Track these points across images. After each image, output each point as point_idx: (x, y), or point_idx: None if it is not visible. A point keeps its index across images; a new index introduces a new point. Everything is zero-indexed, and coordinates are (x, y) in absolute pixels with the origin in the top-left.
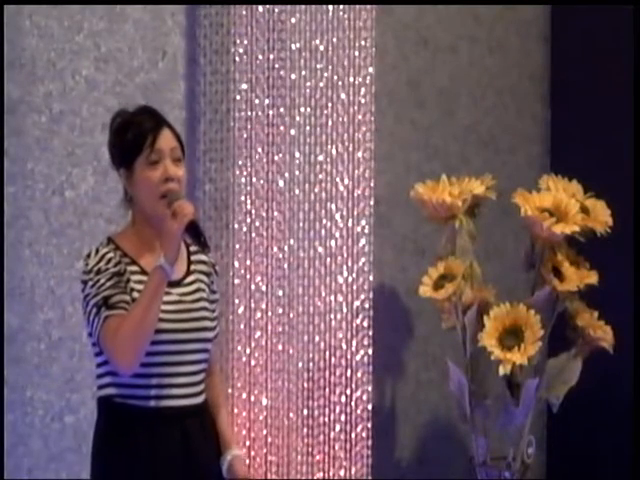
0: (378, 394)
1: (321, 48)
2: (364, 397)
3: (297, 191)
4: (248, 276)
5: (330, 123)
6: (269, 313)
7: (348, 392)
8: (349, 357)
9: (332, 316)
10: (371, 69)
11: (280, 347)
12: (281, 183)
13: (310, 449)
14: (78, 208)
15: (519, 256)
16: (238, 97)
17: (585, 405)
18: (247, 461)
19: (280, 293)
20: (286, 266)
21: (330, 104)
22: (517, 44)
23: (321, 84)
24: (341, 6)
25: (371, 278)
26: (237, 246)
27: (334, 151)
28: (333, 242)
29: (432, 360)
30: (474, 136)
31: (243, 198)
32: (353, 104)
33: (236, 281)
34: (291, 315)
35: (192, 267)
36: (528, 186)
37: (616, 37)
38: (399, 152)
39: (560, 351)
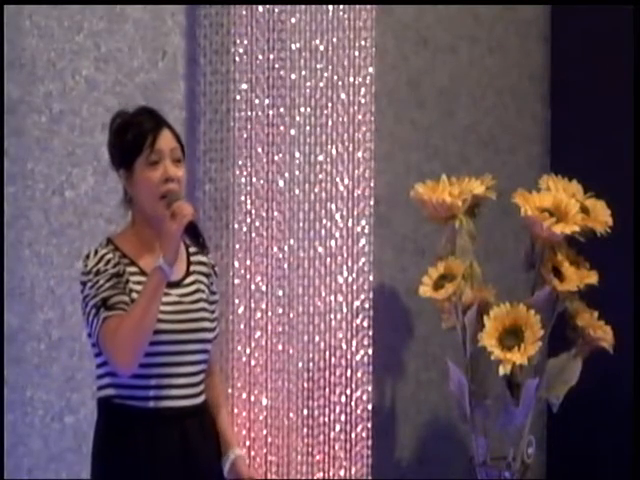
0: (378, 394)
1: (321, 48)
2: (364, 397)
3: (297, 191)
4: (248, 276)
5: (330, 123)
6: (269, 313)
7: (348, 392)
8: (349, 357)
9: (332, 316)
10: (371, 69)
11: (280, 347)
12: (281, 183)
13: (310, 449)
14: (78, 208)
15: (519, 256)
16: (238, 97)
17: (585, 405)
18: (247, 461)
19: (280, 293)
20: (286, 266)
21: (330, 104)
22: (517, 44)
23: (321, 84)
24: (341, 6)
25: (371, 278)
26: (237, 246)
27: (334, 151)
28: (333, 242)
29: (432, 360)
30: (474, 136)
31: (243, 198)
32: (353, 104)
33: (236, 281)
34: (291, 315)
35: (191, 268)
36: (528, 186)
37: (616, 37)
38: (399, 152)
39: (560, 351)
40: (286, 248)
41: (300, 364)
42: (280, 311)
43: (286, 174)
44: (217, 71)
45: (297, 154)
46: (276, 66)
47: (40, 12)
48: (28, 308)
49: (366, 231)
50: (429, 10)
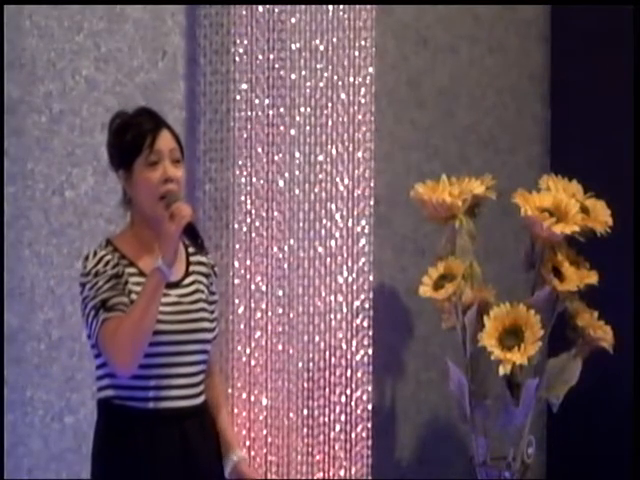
0: (378, 394)
1: (321, 48)
2: (364, 397)
3: (297, 191)
4: (248, 276)
5: (330, 123)
6: (269, 313)
7: (348, 392)
8: (349, 357)
9: (332, 316)
10: (371, 69)
11: (280, 347)
12: (281, 183)
13: (310, 449)
14: (78, 208)
15: (519, 256)
16: (238, 97)
17: (585, 405)
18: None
19: (280, 293)
20: (286, 266)
21: (330, 104)
22: (517, 44)
23: (321, 84)
24: (341, 6)
25: (371, 278)
26: (237, 246)
27: (334, 151)
28: (333, 242)
29: (432, 360)
30: (474, 136)
31: (243, 198)
32: (353, 104)
33: (236, 281)
34: (291, 315)
35: (191, 268)
36: (528, 186)
37: (616, 37)
38: (399, 152)
39: (560, 351)
40: (286, 248)
41: (300, 364)
42: (280, 311)
43: (286, 174)
44: (217, 71)
45: (297, 154)
46: (276, 66)
47: (40, 12)
48: (28, 308)
49: (366, 231)
50: (429, 10)
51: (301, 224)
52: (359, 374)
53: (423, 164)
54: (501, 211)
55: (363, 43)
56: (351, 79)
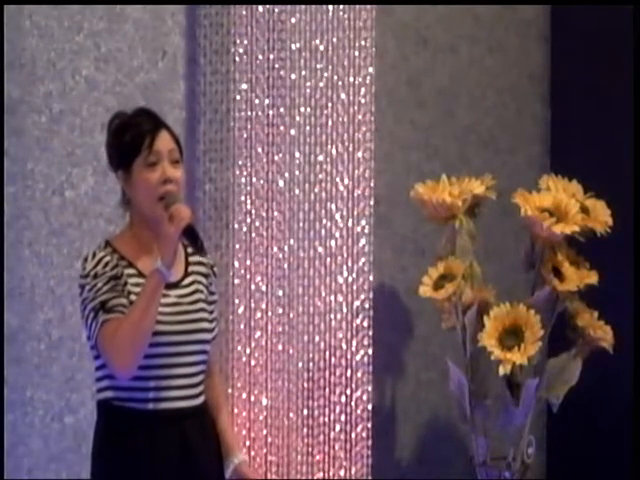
0: (378, 394)
1: (321, 48)
2: (364, 397)
3: (297, 191)
4: (248, 276)
5: (330, 123)
6: (269, 313)
7: (348, 392)
8: (349, 357)
9: (332, 316)
10: (371, 69)
11: (280, 347)
12: (281, 183)
13: (310, 449)
14: (78, 208)
15: (519, 256)
16: (238, 97)
17: (585, 405)
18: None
19: (280, 293)
20: (286, 266)
21: (330, 104)
22: (517, 44)
23: (321, 84)
24: (341, 6)
25: (371, 278)
26: (237, 246)
27: (334, 151)
28: (333, 242)
29: (432, 360)
30: (474, 136)
31: (243, 198)
32: (353, 104)
33: (236, 281)
34: (291, 315)
35: (190, 268)
36: (528, 186)
37: (616, 37)
38: (399, 152)
39: (560, 351)
40: (286, 248)
41: (300, 364)
42: (280, 311)
43: (286, 174)
44: (217, 71)
45: (297, 154)
46: (276, 66)
47: (40, 12)
48: (28, 308)
49: (366, 231)
50: (429, 10)
51: (301, 224)
52: (359, 374)
53: (423, 164)
54: (501, 211)
55: (363, 43)
56: (351, 79)
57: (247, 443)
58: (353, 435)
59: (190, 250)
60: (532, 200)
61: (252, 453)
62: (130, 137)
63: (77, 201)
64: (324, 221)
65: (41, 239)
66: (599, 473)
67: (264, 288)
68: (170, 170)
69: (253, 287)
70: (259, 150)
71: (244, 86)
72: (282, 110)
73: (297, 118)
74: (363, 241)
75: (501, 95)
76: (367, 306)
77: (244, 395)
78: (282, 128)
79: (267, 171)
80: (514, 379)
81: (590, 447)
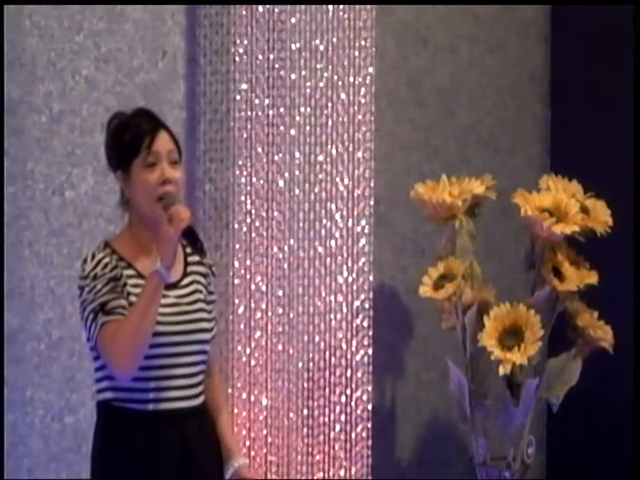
0: (378, 394)
1: (321, 48)
2: (364, 397)
3: (297, 191)
4: (248, 276)
5: (330, 123)
6: (269, 313)
7: (348, 392)
8: (349, 357)
9: (332, 316)
10: (371, 69)
11: (280, 347)
12: (281, 183)
13: (310, 449)
14: (78, 208)
15: (519, 256)
16: (238, 97)
17: (585, 405)
18: (247, 461)
19: (280, 293)
20: (286, 266)
21: (330, 104)
22: (517, 44)
23: (321, 84)
24: (341, 6)
25: (371, 278)
26: (237, 246)
27: (334, 151)
28: (333, 242)
29: (432, 360)
30: (474, 136)
31: (243, 198)
32: (353, 104)
33: (236, 281)
34: (291, 315)
35: (189, 269)
36: (528, 186)
37: (616, 37)
38: (399, 152)
39: (560, 351)
40: (286, 248)
41: (300, 364)
42: (280, 311)
43: (286, 174)
44: (217, 71)
45: (297, 154)
46: (276, 66)
47: (40, 12)
48: (28, 308)
49: (366, 231)
50: (429, 10)
51: (301, 224)
52: (359, 374)
53: (423, 164)
54: (501, 211)
55: (363, 43)
56: (351, 79)
57: (247, 443)
58: (353, 435)
59: (189, 250)
60: (532, 200)
61: (252, 453)
62: (129, 137)
63: (77, 201)
64: (324, 221)
65: (41, 239)
66: (599, 473)
67: (264, 288)
68: (169, 171)
69: (253, 287)
70: (259, 150)
71: (244, 86)
72: (282, 110)
73: (297, 118)
74: (363, 241)
75: (501, 95)
76: (367, 306)
77: (244, 395)
78: (282, 128)
79: (267, 171)
80: (514, 379)
81: (590, 447)
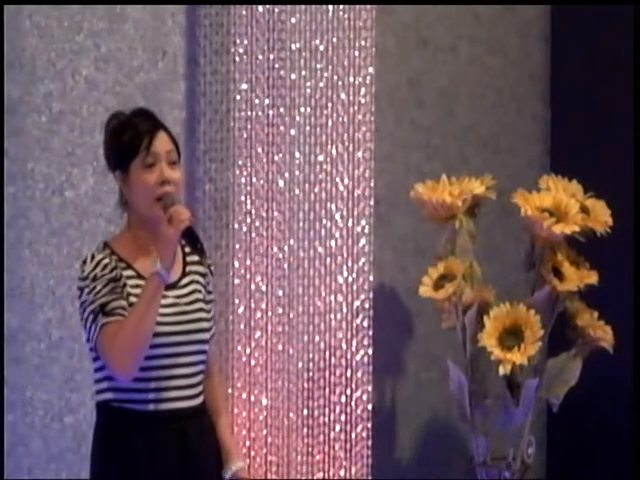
0: (378, 394)
1: (321, 48)
2: (364, 397)
3: (297, 191)
4: (248, 276)
5: (330, 123)
6: (269, 313)
7: (348, 392)
8: (349, 357)
9: (332, 316)
10: (371, 69)
11: (280, 347)
12: (281, 183)
13: (310, 449)
14: (78, 208)
15: (519, 256)
16: (238, 97)
17: (585, 405)
18: (247, 461)
19: (280, 293)
20: (286, 266)
21: (330, 104)
22: (517, 44)
23: (321, 84)
24: (341, 6)
25: (371, 278)
26: (237, 246)
27: (334, 151)
28: (333, 242)
29: (432, 360)
30: (474, 136)
31: (243, 198)
32: (353, 104)
33: (236, 281)
34: (291, 315)
35: (187, 268)
36: (528, 186)
37: (616, 37)
38: (399, 152)
39: (560, 351)
40: (286, 248)
41: (300, 364)
42: (280, 311)
43: (286, 174)
44: (217, 71)
45: (297, 154)
46: (276, 66)
47: (40, 12)
48: (28, 308)
49: (366, 231)
50: (429, 10)
51: (301, 224)
52: (359, 374)
53: (423, 164)
54: (501, 211)
55: (363, 43)
56: (351, 79)
57: (247, 443)
58: (353, 435)
59: (187, 250)
60: (532, 200)
61: (252, 453)
62: (128, 138)
63: (77, 201)
64: (324, 221)
65: (41, 239)
66: (599, 473)
67: (264, 288)
68: (168, 171)
69: (253, 287)
70: (259, 150)
71: (244, 86)
72: (282, 110)
73: (297, 118)
74: (363, 241)
75: (501, 95)
76: (367, 306)
77: (244, 395)
78: (282, 128)
79: (267, 171)
80: (514, 379)
81: (590, 447)
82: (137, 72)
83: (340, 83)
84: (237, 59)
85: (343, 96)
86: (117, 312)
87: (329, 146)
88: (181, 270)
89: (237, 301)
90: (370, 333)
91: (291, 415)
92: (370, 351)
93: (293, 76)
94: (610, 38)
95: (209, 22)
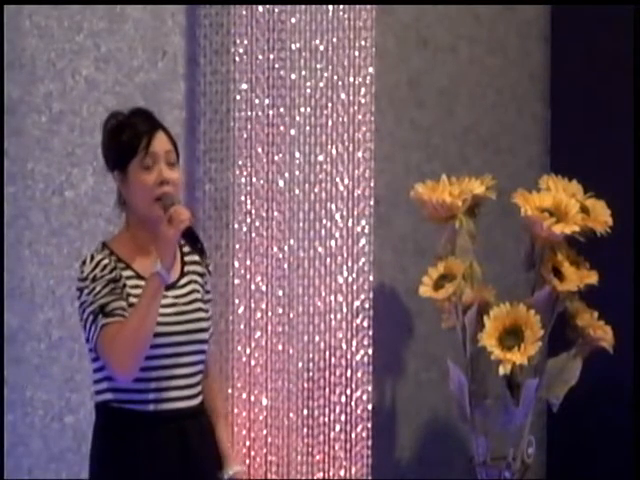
0: (378, 394)
1: (321, 48)
2: (364, 397)
3: (297, 191)
4: (248, 276)
5: (330, 123)
6: (269, 313)
7: (348, 392)
8: (349, 357)
9: (332, 316)
10: (371, 69)
11: (280, 347)
12: (281, 183)
13: (310, 449)
14: (78, 208)
15: (519, 256)
16: (238, 97)
17: (585, 405)
18: (247, 461)
19: (280, 293)
20: (286, 266)
21: (330, 104)
22: (517, 44)
23: (321, 84)
24: (341, 6)
25: (371, 278)
26: (237, 246)
27: (334, 151)
28: (333, 242)
29: (432, 360)
30: (474, 136)
31: (243, 198)
32: (353, 104)
33: (236, 281)
34: (291, 315)
35: (186, 268)
36: (528, 186)
37: (616, 37)
38: (399, 152)
39: (560, 351)
40: (286, 248)
41: (300, 364)
42: (280, 311)
43: (286, 174)
44: (217, 71)
45: (297, 154)
46: (276, 66)
47: (40, 12)
48: (28, 308)
49: (366, 231)
50: (429, 10)
51: (301, 224)
52: (359, 374)
53: (423, 164)
54: (501, 211)
55: (363, 43)
56: (351, 79)
57: (247, 443)
58: (353, 435)
59: (185, 250)
60: (532, 200)
61: (252, 453)
62: (126, 138)
63: (77, 201)
64: (324, 221)
65: (41, 239)
66: (599, 473)
67: (264, 288)
68: (166, 172)
69: (253, 287)
70: (259, 150)
71: (244, 86)
72: (282, 110)
73: (297, 118)
74: (363, 241)
75: (501, 95)
76: (367, 306)
77: (244, 395)
78: (282, 128)
79: (267, 171)
80: (514, 379)
81: (590, 447)
82: (137, 72)
83: (340, 83)
84: (237, 59)
85: (343, 96)
86: (117, 313)
87: (329, 146)
88: (179, 270)
89: (237, 301)
90: (370, 333)
91: (291, 415)
92: (370, 351)
93: (293, 76)
94: (610, 38)
95: (209, 22)
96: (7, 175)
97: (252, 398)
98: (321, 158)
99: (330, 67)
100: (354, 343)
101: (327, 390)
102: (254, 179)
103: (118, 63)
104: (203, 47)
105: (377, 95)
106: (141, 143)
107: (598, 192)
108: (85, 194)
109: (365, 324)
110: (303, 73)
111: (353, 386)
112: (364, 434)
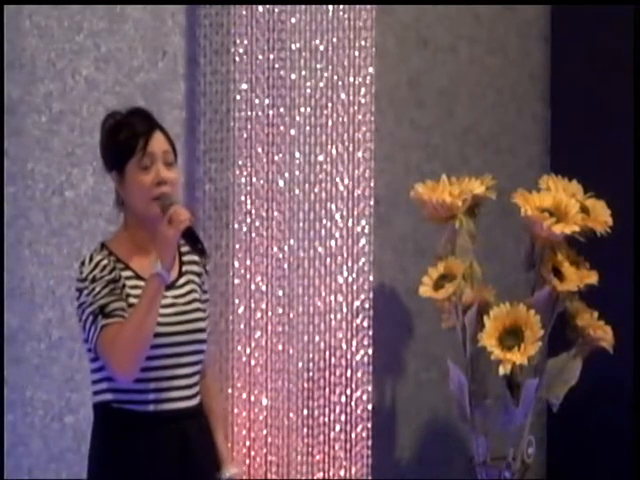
0: (378, 394)
1: (321, 48)
2: (364, 397)
3: (297, 191)
4: (248, 276)
5: (330, 123)
6: (269, 313)
7: (348, 392)
8: (349, 357)
9: (332, 316)
10: (371, 69)
11: (280, 347)
12: (281, 183)
13: (310, 449)
14: (78, 208)
15: (519, 256)
16: (238, 97)
17: (585, 405)
18: (247, 461)
19: (280, 293)
20: (286, 266)
21: (330, 104)
22: (517, 44)
23: (321, 84)
24: (341, 6)
25: (371, 278)
26: (237, 246)
27: (334, 151)
28: (333, 242)
29: (432, 360)
30: (474, 136)
31: (243, 198)
32: (353, 104)
33: (236, 281)
34: (291, 315)
35: (184, 268)
36: (528, 186)
37: (616, 37)
38: (399, 152)
39: (560, 351)
40: (286, 248)
41: (300, 364)
42: (280, 311)
43: (286, 174)
44: (217, 71)
45: (297, 154)
46: (276, 66)
47: (40, 12)
48: (28, 308)
49: (366, 231)
50: (429, 10)
51: (301, 224)
52: (359, 374)
53: (423, 164)
54: (501, 211)
55: (363, 43)
56: (351, 79)
57: (247, 443)
58: (353, 435)
59: (183, 249)
60: (532, 200)
61: (252, 453)
62: (124, 138)
63: (77, 201)
64: (324, 221)
65: (41, 239)
66: (599, 473)
67: (264, 288)
68: (164, 172)
69: (253, 287)
70: (259, 150)
71: (244, 86)
72: (282, 110)
73: (297, 118)
74: (363, 241)
75: (501, 95)
76: (367, 306)
77: (244, 395)
78: (282, 128)
79: (267, 171)
80: (514, 379)
81: (590, 447)
82: (137, 72)
83: (340, 83)
84: (237, 59)
85: (343, 96)
86: (117, 313)
87: (329, 146)
88: (178, 270)
89: (237, 301)
90: (370, 333)
91: (291, 415)
92: (370, 351)
93: (293, 76)
94: (610, 38)
95: (209, 22)
96: (7, 175)
97: (252, 398)
98: (321, 158)
99: (330, 67)
100: (354, 343)
101: (327, 390)
102: (254, 179)
103: (118, 63)
104: (203, 47)
105: (377, 95)
106: (138, 143)
107: (598, 192)
108: (85, 194)
109: (365, 324)
110: (303, 73)
111: (353, 386)
112: (364, 434)
